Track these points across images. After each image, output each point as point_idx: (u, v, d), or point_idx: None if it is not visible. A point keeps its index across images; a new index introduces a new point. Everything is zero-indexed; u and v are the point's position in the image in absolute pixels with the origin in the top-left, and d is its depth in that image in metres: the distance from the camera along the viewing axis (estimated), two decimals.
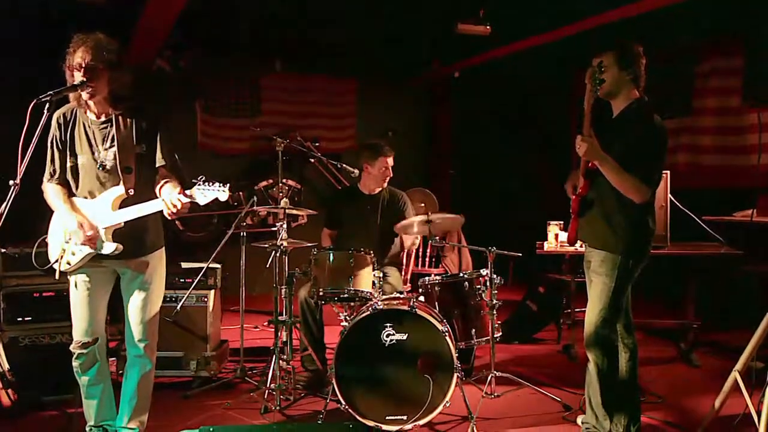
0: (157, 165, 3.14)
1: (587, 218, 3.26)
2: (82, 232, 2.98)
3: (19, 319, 3.97)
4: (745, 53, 6.46)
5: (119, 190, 3.04)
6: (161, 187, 3.08)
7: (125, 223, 3.04)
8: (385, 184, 4.73)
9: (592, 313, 3.22)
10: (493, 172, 8.68)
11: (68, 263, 3.07)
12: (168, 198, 2.94)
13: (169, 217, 2.99)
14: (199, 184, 2.95)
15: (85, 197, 3.09)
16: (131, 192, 3.05)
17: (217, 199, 2.96)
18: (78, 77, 2.92)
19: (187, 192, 2.94)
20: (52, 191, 3.12)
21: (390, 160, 4.67)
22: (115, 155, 3.05)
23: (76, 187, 3.12)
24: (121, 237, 3.06)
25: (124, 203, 3.05)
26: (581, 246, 3.41)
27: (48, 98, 2.75)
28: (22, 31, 5.87)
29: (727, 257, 4.78)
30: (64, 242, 3.08)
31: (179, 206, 2.92)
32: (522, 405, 4.03)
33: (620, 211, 3.13)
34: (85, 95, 2.97)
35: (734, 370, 3.26)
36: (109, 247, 3.03)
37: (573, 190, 3.34)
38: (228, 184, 2.97)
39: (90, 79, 2.92)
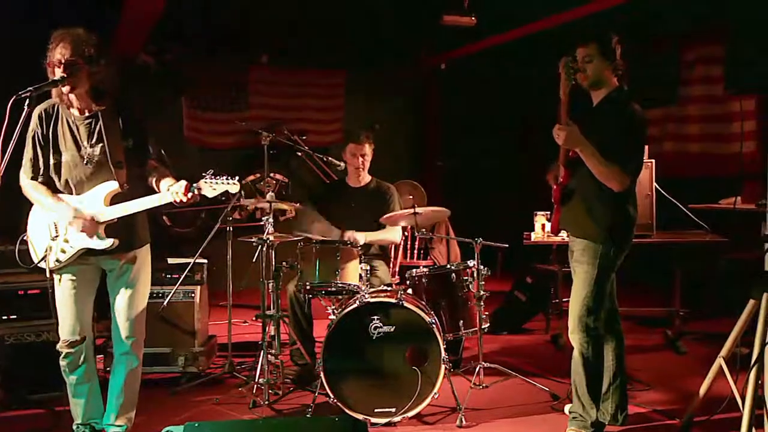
0: (145, 158, 3.13)
1: (569, 207, 3.30)
2: (80, 219, 2.95)
3: (4, 317, 3.92)
4: (728, 41, 6.48)
5: (112, 185, 3.01)
6: (157, 180, 3.07)
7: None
8: (363, 173, 4.64)
9: (575, 302, 3.25)
10: (480, 163, 8.67)
11: (58, 261, 3.04)
12: (174, 190, 2.94)
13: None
14: (207, 178, 2.94)
15: (70, 194, 3.06)
16: (125, 186, 3.03)
17: (227, 191, 2.96)
18: (58, 73, 2.89)
19: (195, 185, 2.94)
20: (32, 188, 3.06)
21: (361, 148, 4.55)
22: (102, 151, 3.01)
23: (60, 184, 3.07)
24: (111, 231, 3.04)
25: (115, 199, 3.03)
26: (567, 236, 3.43)
27: (28, 94, 2.71)
28: (2, 25, 5.79)
29: (712, 245, 4.82)
30: (50, 239, 3.04)
31: (186, 200, 2.93)
32: (510, 395, 4.05)
33: (600, 199, 3.16)
34: (65, 89, 2.93)
35: (719, 357, 3.28)
36: (105, 243, 3.01)
37: (554, 180, 3.36)
38: (237, 177, 2.96)
39: (70, 74, 2.89)
